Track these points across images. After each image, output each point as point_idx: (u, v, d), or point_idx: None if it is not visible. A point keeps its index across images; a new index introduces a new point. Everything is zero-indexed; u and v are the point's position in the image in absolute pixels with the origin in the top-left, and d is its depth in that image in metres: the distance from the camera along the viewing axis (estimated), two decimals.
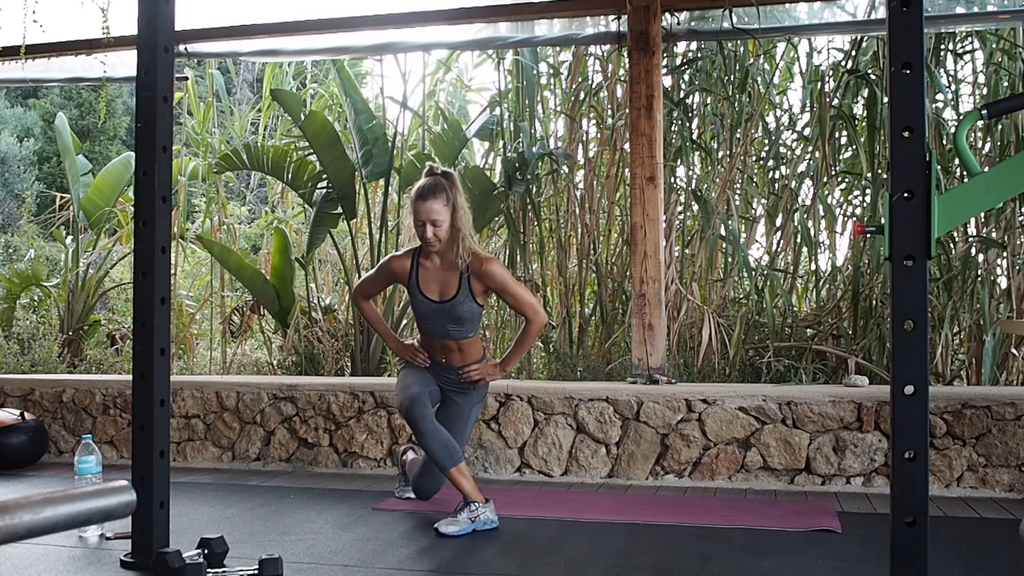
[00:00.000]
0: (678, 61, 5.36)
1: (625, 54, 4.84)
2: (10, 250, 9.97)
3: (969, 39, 5.04)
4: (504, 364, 3.28)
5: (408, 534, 2.95)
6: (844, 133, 5.22)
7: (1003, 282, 4.85)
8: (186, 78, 6.19)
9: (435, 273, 3.14)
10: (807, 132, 5.25)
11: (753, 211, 5.41)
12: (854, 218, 5.26)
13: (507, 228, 5.60)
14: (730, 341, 4.74)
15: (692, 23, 4.73)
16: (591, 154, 5.64)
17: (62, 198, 8.23)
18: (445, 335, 3.17)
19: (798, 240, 5.13)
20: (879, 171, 4.80)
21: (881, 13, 4.53)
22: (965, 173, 3.77)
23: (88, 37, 5.31)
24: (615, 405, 3.97)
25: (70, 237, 7.02)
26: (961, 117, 4.45)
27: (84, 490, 0.89)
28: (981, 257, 4.77)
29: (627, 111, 4.79)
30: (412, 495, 3.52)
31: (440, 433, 3.08)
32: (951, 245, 4.77)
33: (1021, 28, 4.77)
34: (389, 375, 5.29)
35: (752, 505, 3.42)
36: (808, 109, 5.21)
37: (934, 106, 4.84)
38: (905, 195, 1.68)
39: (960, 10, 4.58)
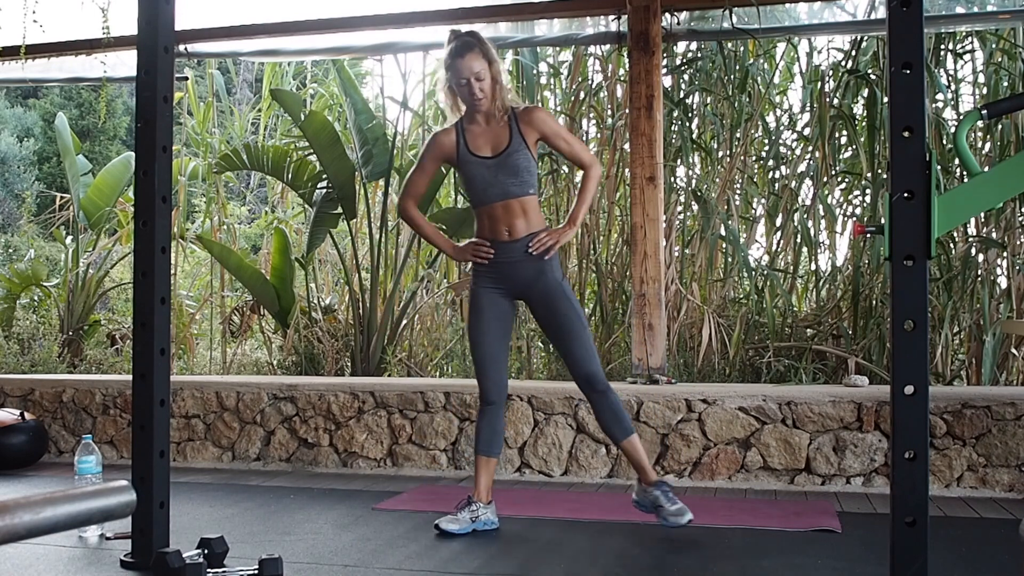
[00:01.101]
0: (678, 61, 5.36)
1: (625, 54, 4.84)
2: (10, 250, 9.97)
3: (969, 39, 5.04)
4: (571, 221, 3.04)
5: (408, 534, 2.95)
6: (844, 133, 5.22)
7: (1003, 282, 4.85)
8: (186, 78, 6.19)
9: (483, 133, 3.00)
10: (807, 132, 5.25)
11: (753, 211, 5.41)
12: (854, 218, 5.26)
13: None
14: (730, 341, 4.74)
15: (692, 23, 4.72)
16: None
17: (62, 198, 8.23)
18: (506, 194, 2.94)
19: (798, 240, 5.13)
20: (879, 171, 4.80)
21: (881, 13, 4.53)
22: (965, 173, 3.77)
23: (88, 37, 5.31)
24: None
25: (70, 237, 7.02)
26: (961, 117, 4.45)
27: (84, 490, 0.88)
28: (981, 257, 4.77)
29: (627, 111, 4.79)
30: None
31: (497, 422, 3.03)
32: (951, 245, 4.77)
33: (1021, 28, 4.77)
34: (389, 375, 5.29)
35: (752, 505, 3.42)
36: (808, 109, 5.21)
37: (934, 106, 4.84)
38: (905, 195, 1.68)
39: (960, 10, 4.58)
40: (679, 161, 5.18)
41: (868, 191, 5.00)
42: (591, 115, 5.67)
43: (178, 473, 4.08)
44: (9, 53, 5.20)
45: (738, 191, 5.34)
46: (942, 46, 4.96)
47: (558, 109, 5.82)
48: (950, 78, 5.04)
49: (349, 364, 5.55)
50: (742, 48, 5.20)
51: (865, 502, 3.48)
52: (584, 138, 5.68)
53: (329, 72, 7.01)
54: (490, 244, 2.99)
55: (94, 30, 5.13)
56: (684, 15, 4.65)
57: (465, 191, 3.08)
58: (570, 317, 2.96)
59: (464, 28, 3.04)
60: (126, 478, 1.18)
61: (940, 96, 4.94)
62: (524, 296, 3.03)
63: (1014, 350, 4.66)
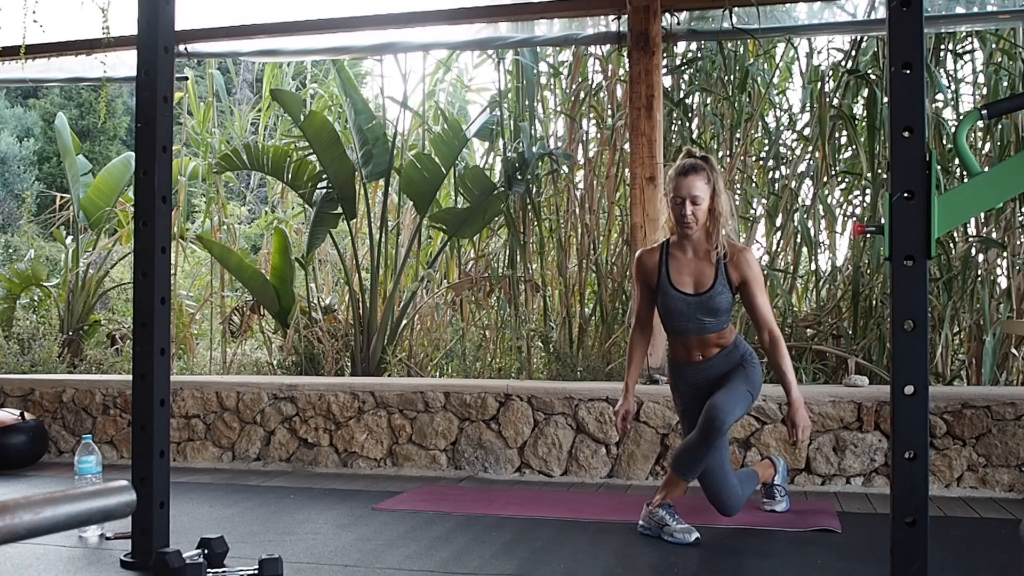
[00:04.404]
0: (678, 61, 5.36)
1: (625, 54, 4.84)
2: (10, 250, 9.97)
3: (969, 39, 5.04)
4: (794, 402, 2.91)
5: (408, 534, 2.95)
6: (844, 133, 5.22)
7: (1003, 282, 4.85)
8: (186, 78, 6.19)
9: (687, 264, 2.94)
10: (807, 132, 5.25)
11: (753, 211, 5.41)
12: (854, 218, 5.26)
13: (507, 228, 5.60)
14: None
15: (692, 23, 4.73)
16: (591, 154, 5.65)
17: (62, 198, 8.23)
18: (701, 331, 2.93)
19: (798, 240, 5.13)
20: (879, 171, 4.80)
21: (881, 13, 4.53)
22: (965, 173, 3.77)
23: (88, 37, 5.31)
24: (615, 405, 3.96)
25: (70, 237, 7.02)
26: (961, 117, 4.45)
27: (84, 490, 0.88)
28: (981, 257, 4.77)
29: (627, 111, 4.79)
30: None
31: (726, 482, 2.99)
32: (951, 245, 4.77)
33: (1021, 28, 4.77)
34: (389, 375, 5.29)
35: (752, 505, 3.42)
36: (808, 109, 5.21)
37: (934, 106, 4.84)
38: (905, 195, 1.68)
39: (960, 10, 4.58)
40: None
41: (868, 191, 5.00)
42: (591, 115, 5.67)
43: (178, 473, 4.08)
44: (9, 53, 5.20)
45: (738, 191, 5.34)
46: (942, 46, 4.96)
47: (558, 109, 5.82)
48: (950, 78, 5.04)
49: (349, 364, 5.55)
50: (742, 48, 5.20)
51: (865, 502, 3.48)
52: (584, 138, 5.68)
53: (329, 72, 7.01)
54: (686, 365, 3.01)
55: (94, 30, 5.14)
56: (684, 15, 4.65)
57: (660, 315, 3.04)
58: (739, 376, 2.93)
59: (699, 152, 2.97)
60: (126, 478, 1.18)
61: (940, 96, 4.94)
62: (711, 387, 2.97)
63: (1014, 350, 4.66)
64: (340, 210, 5.56)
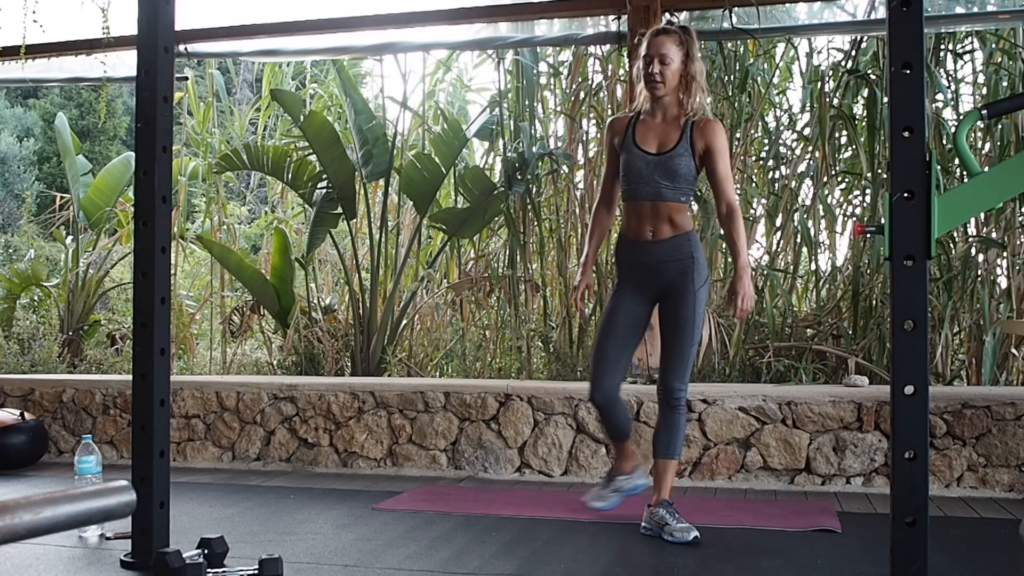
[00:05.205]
0: None
1: (625, 54, 4.84)
2: (10, 250, 9.97)
3: (969, 39, 5.04)
4: (741, 272, 2.90)
5: (408, 534, 2.95)
6: (844, 133, 5.22)
7: (1003, 282, 4.85)
8: (186, 78, 6.19)
9: (655, 127, 2.94)
10: (807, 132, 5.25)
11: (753, 211, 5.41)
12: (854, 218, 5.26)
13: (507, 228, 5.60)
14: (730, 341, 4.74)
15: (692, 23, 4.73)
16: (591, 154, 5.64)
17: (62, 198, 8.22)
18: (656, 195, 2.89)
19: (798, 240, 5.13)
20: (879, 171, 4.80)
21: (881, 13, 4.53)
22: (965, 173, 3.77)
23: (88, 37, 5.31)
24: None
25: (70, 237, 7.02)
26: (961, 117, 4.45)
27: (84, 490, 0.88)
28: (981, 257, 4.77)
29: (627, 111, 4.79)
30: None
31: (612, 416, 3.07)
32: (951, 245, 4.77)
33: (1021, 28, 4.77)
34: (389, 375, 5.29)
35: (752, 505, 3.42)
36: (808, 109, 5.21)
37: (934, 106, 4.83)
38: (905, 195, 1.68)
39: (960, 10, 4.58)
40: None
41: (868, 191, 5.00)
42: (591, 115, 5.66)
43: (178, 473, 4.07)
44: (9, 53, 5.21)
45: (738, 191, 5.33)
46: (942, 46, 4.96)
47: (558, 109, 5.82)
48: (950, 78, 5.04)
49: (349, 364, 5.55)
50: (742, 48, 5.20)
51: (865, 502, 3.48)
52: (584, 138, 5.68)
53: (329, 72, 7.01)
54: (634, 243, 2.97)
55: (94, 30, 5.15)
56: (684, 15, 4.65)
57: (622, 179, 3.01)
58: (685, 329, 2.89)
59: (678, 23, 3.02)
60: (126, 478, 1.18)
61: (940, 96, 4.94)
62: (663, 297, 2.95)
63: (1014, 350, 4.66)
64: (340, 210, 5.56)
